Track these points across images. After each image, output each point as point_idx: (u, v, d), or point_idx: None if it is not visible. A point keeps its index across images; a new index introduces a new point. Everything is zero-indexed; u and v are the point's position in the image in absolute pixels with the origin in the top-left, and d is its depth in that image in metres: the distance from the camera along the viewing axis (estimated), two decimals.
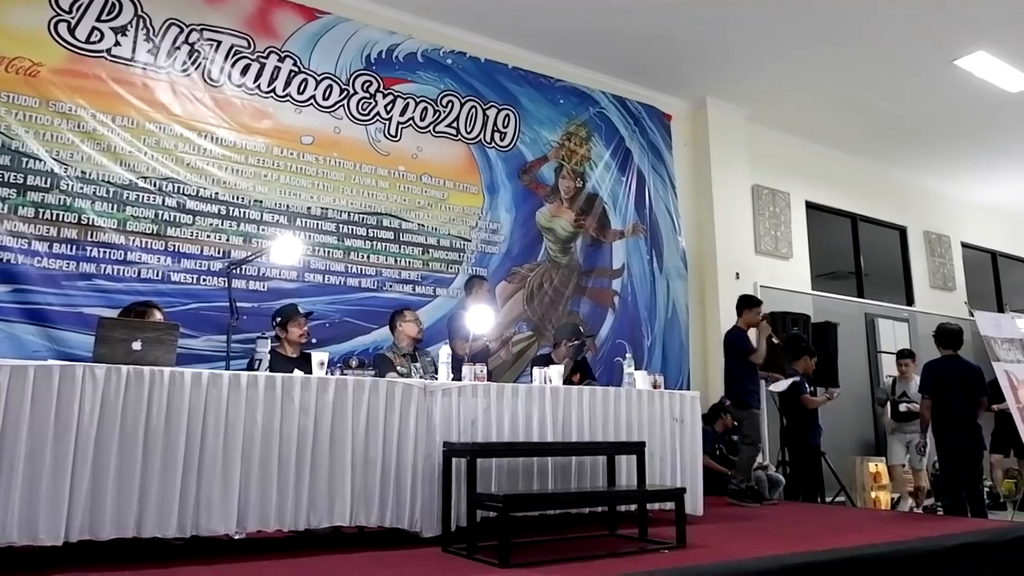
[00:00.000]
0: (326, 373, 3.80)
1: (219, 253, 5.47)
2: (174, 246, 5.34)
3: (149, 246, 5.26)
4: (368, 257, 6.05)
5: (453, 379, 4.12)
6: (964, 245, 10.63)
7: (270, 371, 3.90)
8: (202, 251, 5.42)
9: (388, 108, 6.32)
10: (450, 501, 3.70)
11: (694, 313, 7.66)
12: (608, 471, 4.18)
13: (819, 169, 9.07)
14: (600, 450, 4.18)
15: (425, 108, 6.49)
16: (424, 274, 6.26)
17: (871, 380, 8.32)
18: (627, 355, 5.02)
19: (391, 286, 6.10)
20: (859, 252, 9.43)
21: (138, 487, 3.16)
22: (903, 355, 7.29)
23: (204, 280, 5.39)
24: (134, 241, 5.21)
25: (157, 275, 5.25)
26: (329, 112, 6.06)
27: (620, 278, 7.32)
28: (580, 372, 5.22)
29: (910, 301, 9.70)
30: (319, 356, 3.84)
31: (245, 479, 3.38)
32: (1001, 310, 10.68)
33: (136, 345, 3.39)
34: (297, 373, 3.85)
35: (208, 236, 5.46)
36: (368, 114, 6.23)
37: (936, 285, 10.04)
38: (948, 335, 5.75)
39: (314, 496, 3.51)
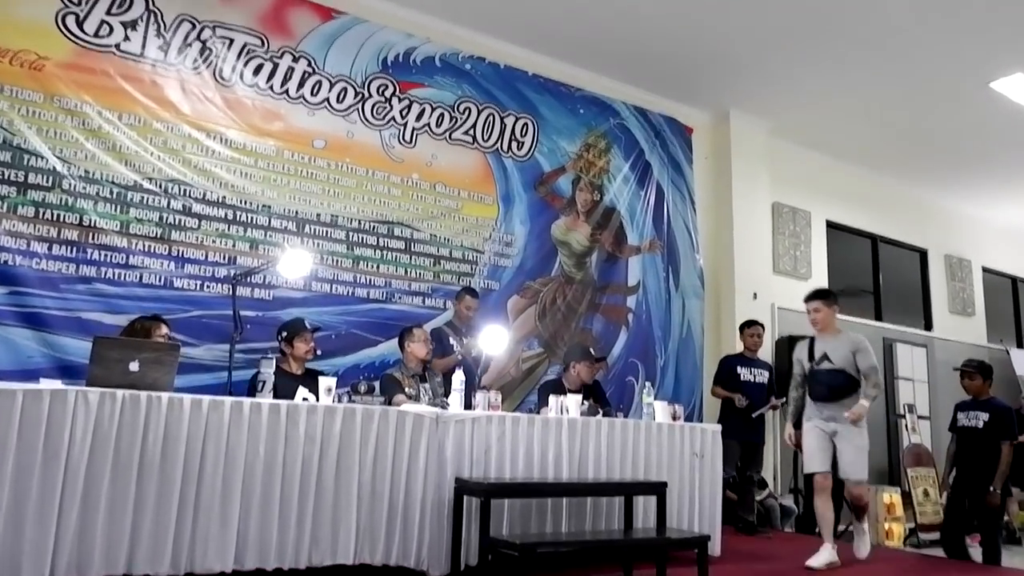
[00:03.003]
0: (333, 400, 3.60)
1: (224, 259, 5.28)
2: (178, 251, 5.13)
3: (152, 250, 5.06)
4: (378, 267, 5.85)
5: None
6: (985, 270, 10.40)
7: (274, 389, 3.71)
8: (207, 257, 5.23)
9: (403, 113, 6.12)
10: (460, 540, 3.51)
11: (709, 333, 7.45)
12: (625, 510, 3.97)
13: (842, 188, 8.84)
14: (620, 491, 3.97)
15: (441, 114, 6.28)
16: (435, 286, 6.06)
17: (887, 407, 8.07)
18: (646, 384, 4.83)
19: (400, 298, 5.90)
20: (878, 274, 9.20)
21: (130, 521, 2.97)
22: (818, 296, 4.89)
23: (208, 287, 5.19)
24: (137, 244, 5.01)
25: (159, 280, 5.05)
26: (342, 116, 5.85)
27: (635, 295, 7.11)
28: (593, 397, 5.00)
29: (928, 326, 9.47)
30: (326, 382, 3.65)
31: (244, 513, 3.20)
32: (1020, 337, 10.48)
33: (133, 366, 3.21)
34: (301, 394, 3.66)
35: (214, 241, 5.27)
36: (383, 119, 6.02)
37: (955, 310, 9.81)
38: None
39: (317, 532, 3.32)
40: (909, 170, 8.98)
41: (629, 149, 7.28)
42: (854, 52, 6.52)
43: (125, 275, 4.95)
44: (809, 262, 8.35)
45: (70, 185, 4.83)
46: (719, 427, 4.66)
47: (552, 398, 4.29)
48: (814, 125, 7.96)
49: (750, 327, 6.47)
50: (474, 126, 6.44)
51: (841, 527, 6.78)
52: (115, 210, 4.96)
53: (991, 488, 4.96)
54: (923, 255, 9.73)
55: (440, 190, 6.20)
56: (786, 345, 7.37)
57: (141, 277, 4.99)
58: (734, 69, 7.00)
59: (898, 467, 7.71)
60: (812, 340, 4.87)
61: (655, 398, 4.85)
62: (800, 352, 4.91)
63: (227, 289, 5.05)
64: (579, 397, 4.36)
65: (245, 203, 5.40)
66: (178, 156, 5.21)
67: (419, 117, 6.17)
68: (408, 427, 3.60)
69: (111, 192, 4.96)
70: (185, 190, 5.20)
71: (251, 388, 4.13)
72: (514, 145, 6.64)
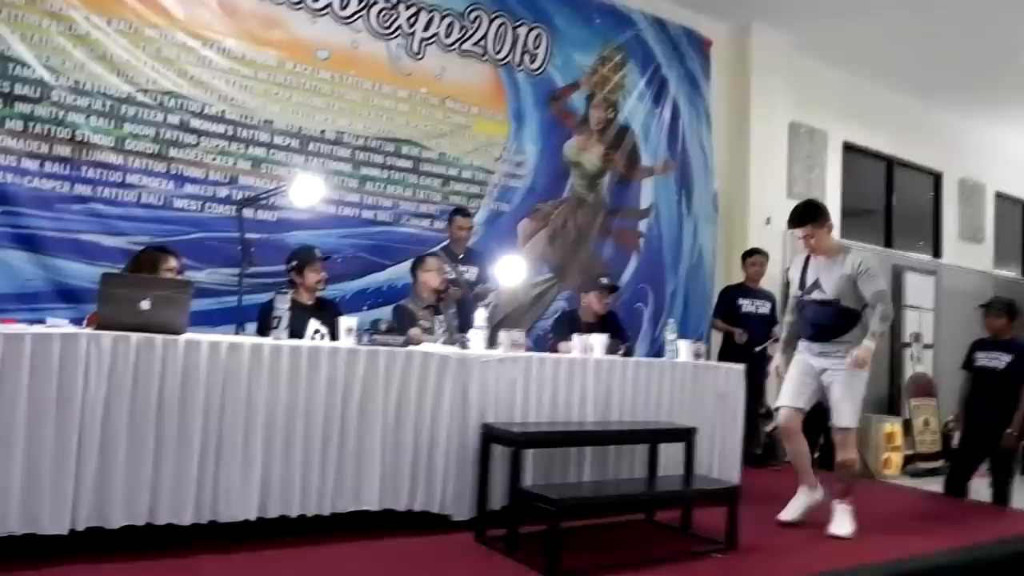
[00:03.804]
0: (355, 341, 3.43)
1: (225, 179, 5.00)
2: (177, 169, 4.85)
3: (149, 168, 4.77)
4: (385, 188, 5.60)
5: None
6: (999, 195, 10.19)
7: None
8: (207, 175, 4.95)
9: (411, 21, 5.71)
10: (486, 486, 3.43)
11: (720, 259, 7.29)
12: (650, 455, 3.90)
13: (861, 108, 8.47)
14: (650, 438, 3.89)
15: (451, 23, 5.88)
16: (443, 208, 5.81)
17: (892, 337, 8.00)
18: (669, 321, 4.69)
19: (408, 220, 5.68)
20: (891, 199, 9.01)
21: (150, 469, 2.85)
22: (806, 220, 3.98)
23: (209, 208, 4.94)
24: (133, 162, 4.72)
25: (158, 200, 4.79)
26: (347, 24, 5.45)
27: (647, 219, 6.90)
28: (610, 329, 4.87)
29: (937, 252, 9.36)
30: (347, 322, 3.46)
31: (267, 460, 3.08)
32: None
33: (144, 304, 3.01)
34: (312, 326, 3.49)
35: (214, 159, 4.97)
36: (389, 27, 5.62)
37: (965, 236, 9.67)
38: None
39: (340, 479, 3.23)
40: (932, 90, 8.61)
41: (646, 63, 6.89)
42: None
43: (122, 194, 4.68)
44: (823, 186, 8.12)
45: (60, 97, 4.50)
46: (743, 367, 4.56)
47: (576, 337, 4.14)
48: (842, 40, 7.52)
49: (752, 255, 6.37)
50: (484, 36, 6.05)
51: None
52: (109, 124, 4.65)
53: (1008, 430, 4.92)
54: (937, 178, 9.51)
55: (450, 106, 5.87)
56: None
57: (139, 196, 4.73)
58: None
59: (900, 397, 7.74)
60: (808, 258, 4.09)
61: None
62: (793, 271, 4.20)
63: (229, 210, 4.82)
64: (604, 336, 4.22)
65: (245, 118, 5.07)
66: (173, 66, 4.85)
67: (427, 26, 5.77)
68: (432, 369, 3.46)
69: (103, 105, 4.63)
70: (182, 103, 4.87)
71: (261, 322, 3.97)
72: (526, 58, 6.27)
